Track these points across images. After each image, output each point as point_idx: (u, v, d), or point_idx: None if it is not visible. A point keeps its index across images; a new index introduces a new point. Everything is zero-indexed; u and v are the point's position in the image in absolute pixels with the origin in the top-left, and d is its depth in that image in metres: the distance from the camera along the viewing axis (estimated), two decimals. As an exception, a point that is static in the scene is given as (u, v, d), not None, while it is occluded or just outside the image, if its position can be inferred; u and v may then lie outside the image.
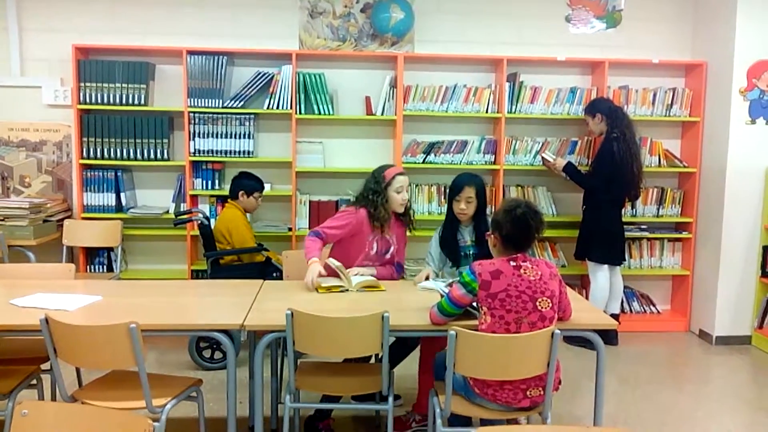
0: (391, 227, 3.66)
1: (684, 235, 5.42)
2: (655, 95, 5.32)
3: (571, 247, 5.10)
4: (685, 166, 5.37)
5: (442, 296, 2.85)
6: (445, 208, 5.23)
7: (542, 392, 2.72)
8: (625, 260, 5.15)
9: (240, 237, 4.44)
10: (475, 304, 2.78)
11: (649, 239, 5.46)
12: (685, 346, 5.17)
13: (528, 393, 2.72)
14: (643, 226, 5.43)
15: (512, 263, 2.70)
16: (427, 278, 3.50)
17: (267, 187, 5.01)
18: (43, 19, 5.07)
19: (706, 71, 5.26)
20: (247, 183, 4.61)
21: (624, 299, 5.35)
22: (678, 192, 5.46)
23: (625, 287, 5.20)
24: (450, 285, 2.95)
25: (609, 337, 4.88)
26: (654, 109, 5.33)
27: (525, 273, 2.67)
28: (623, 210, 5.05)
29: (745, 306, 5.15)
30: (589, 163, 5.20)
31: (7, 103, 5.10)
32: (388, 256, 3.68)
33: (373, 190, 3.58)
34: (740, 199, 5.05)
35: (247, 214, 4.69)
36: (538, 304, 2.65)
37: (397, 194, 3.59)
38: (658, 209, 5.42)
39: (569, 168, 4.96)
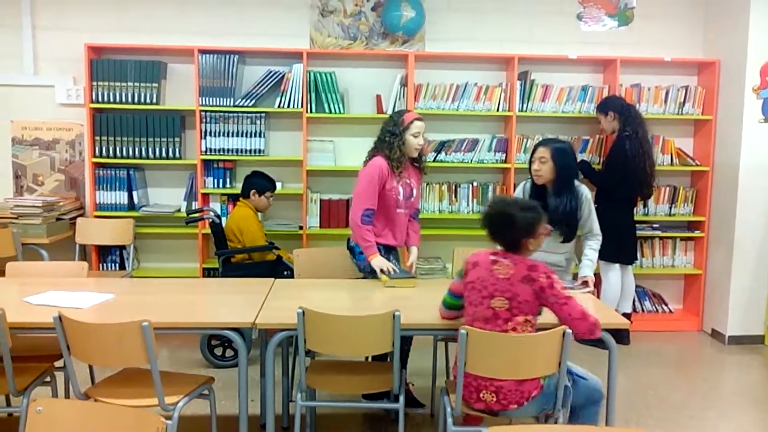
0: (408, 172, 3.75)
1: (696, 234, 5.39)
2: (667, 93, 5.29)
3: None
4: (697, 165, 5.34)
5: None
6: (455, 207, 5.25)
7: (495, 399, 2.63)
8: (636, 259, 5.13)
9: (251, 236, 4.45)
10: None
11: (661, 238, 5.43)
12: (698, 346, 5.14)
13: (481, 395, 2.65)
14: (655, 225, 5.40)
15: (492, 257, 2.71)
16: None
17: (278, 185, 5.02)
18: (56, 19, 5.10)
19: (719, 69, 5.23)
20: (259, 182, 4.62)
21: (636, 298, 5.33)
22: (690, 191, 5.43)
23: (637, 286, 5.18)
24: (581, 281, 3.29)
25: (621, 336, 4.86)
26: (666, 107, 5.30)
27: (497, 269, 2.66)
28: (635, 209, 5.03)
29: (758, 305, 5.11)
30: (601, 161, 5.18)
31: (21, 102, 5.14)
32: (412, 199, 3.77)
33: (391, 132, 3.66)
34: (753, 197, 5.02)
35: (259, 214, 4.70)
36: (492, 302, 2.63)
37: (414, 138, 3.66)
38: (671, 208, 5.40)
39: (583, 166, 4.94)
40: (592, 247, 3.72)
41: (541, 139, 5.20)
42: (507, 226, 2.69)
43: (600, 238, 3.74)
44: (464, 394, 2.69)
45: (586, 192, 3.73)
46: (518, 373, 2.64)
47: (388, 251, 3.69)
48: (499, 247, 2.77)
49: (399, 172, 3.65)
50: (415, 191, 3.77)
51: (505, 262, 2.67)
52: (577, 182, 3.74)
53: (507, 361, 2.61)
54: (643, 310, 5.49)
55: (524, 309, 2.62)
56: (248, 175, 4.69)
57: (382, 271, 3.47)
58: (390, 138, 3.65)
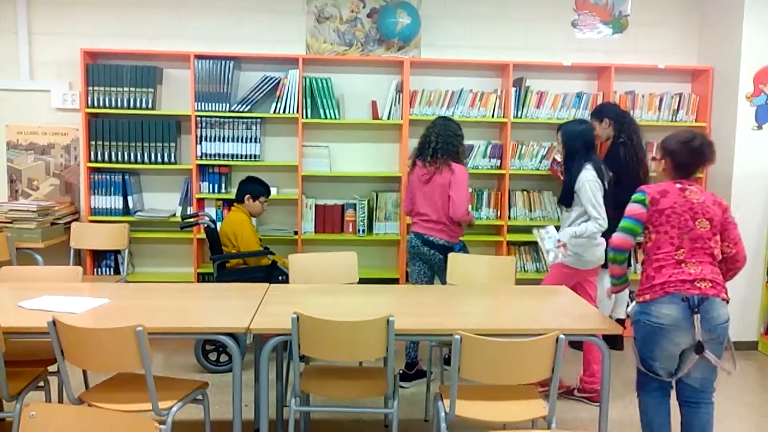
0: None
1: (690, 240, 5.41)
2: (661, 100, 5.32)
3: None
4: (691, 172, 5.36)
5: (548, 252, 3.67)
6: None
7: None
8: (631, 265, 5.14)
9: (245, 241, 4.45)
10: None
11: (655, 244, 5.44)
12: (691, 352, 5.14)
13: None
14: (649, 231, 5.41)
15: (678, 185, 2.98)
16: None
17: (273, 191, 5.03)
18: (52, 24, 5.11)
19: (713, 76, 5.26)
20: (254, 187, 4.63)
21: (629, 304, 5.32)
22: (684, 197, 5.44)
23: (630, 292, 5.18)
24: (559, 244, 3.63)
25: (615, 342, 4.87)
26: (660, 114, 5.33)
27: (689, 195, 2.95)
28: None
29: (752, 311, 5.14)
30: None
31: (17, 106, 5.14)
32: None
33: (462, 138, 4.22)
34: (746, 204, 5.04)
35: (253, 219, 4.70)
36: (697, 223, 2.89)
37: None
38: (664, 214, 5.41)
39: None
40: (579, 224, 3.90)
41: (535, 145, 5.25)
42: (706, 160, 3.04)
43: (598, 223, 3.84)
44: None
45: (582, 175, 3.88)
46: (512, 379, 2.65)
47: None
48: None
49: None
50: None
51: (692, 189, 2.97)
52: (587, 164, 3.92)
53: (501, 366, 2.63)
54: (637, 316, 5.49)
55: (717, 229, 2.94)
56: (243, 180, 4.70)
57: None
58: (461, 143, 4.18)
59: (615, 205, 4.84)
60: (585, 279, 4.03)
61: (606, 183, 3.94)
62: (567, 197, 4.00)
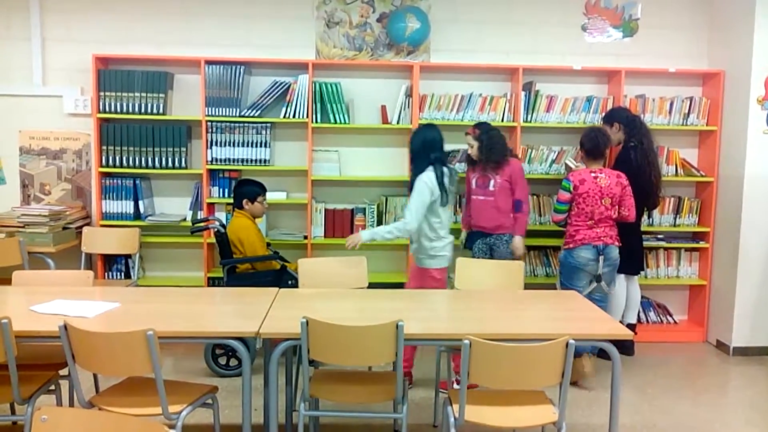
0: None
1: (701, 244, 5.39)
2: (671, 104, 5.30)
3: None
4: (702, 176, 5.34)
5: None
6: (460, 218, 5.26)
7: None
8: (642, 269, 5.12)
9: (251, 246, 4.41)
10: None
11: (666, 249, 5.42)
12: (703, 357, 5.12)
13: None
14: (659, 236, 5.40)
15: (592, 174, 4.31)
16: None
17: (282, 195, 5.05)
18: (64, 30, 5.16)
19: (723, 80, 5.23)
20: (248, 189, 4.53)
21: (641, 309, 5.31)
22: (695, 201, 5.42)
23: (642, 297, 5.16)
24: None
25: (625, 347, 4.86)
26: (671, 118, 5.31)
27: (599, 181, 4.29)
28: (641, 219, 5.02)
29: (764, 316, 5.10)
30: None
31: (29, 112, 5.19)
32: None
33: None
34: (758, 208, 5.01)
35: (259, 222, 4.67)
36: (602, 201, 4.27)
37: None
38: (675, 218, 5.39)
39: None
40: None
41: (545, 149, 5.24)
42: (602, 147, 4.39)
43: (405, 223, 3.95)
44: None
45: (422, 175, 4.00)
46: (522, 384, 2.64)
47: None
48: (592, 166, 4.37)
49: None
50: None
51: (602, 176, 4.30)
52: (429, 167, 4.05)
53: (510, 371, 2.62)
54: (647, 321, 5.48)
55: (616, 202, 4.31)
56: (235, 186, 4.63)
57: None
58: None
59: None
60: (431, 276, 4.08)
61: (446, 190, 4.03)
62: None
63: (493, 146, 4.43)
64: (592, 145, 4.38)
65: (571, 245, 4.32)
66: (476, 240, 4.59)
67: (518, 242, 4.49)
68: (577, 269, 4.31)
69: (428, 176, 3.97)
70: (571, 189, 4.28)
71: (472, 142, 4.50)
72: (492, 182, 4.48)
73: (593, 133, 4.43)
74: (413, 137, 4.20)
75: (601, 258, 4.26)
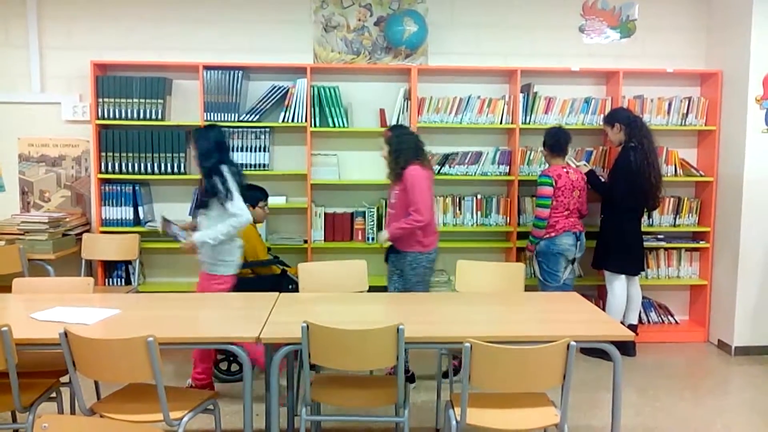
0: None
1: (701, 244, 5.39)
2: (670, 104, 5.30)
3: (588, 257, 5.07)
4: (701, 175, 5.34)
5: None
6: (459, 220, 5.26)
7: None
8: (643, 270, 5.12)
9: (251, 250, 4.41)
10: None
11: (666, 249, 5.42)
12: (704, 357, 5.12)
13: None
14: (660, 236, 5.40)
15: (564, 170, 4.71)
16: None
17: (282, 199, 5.04)
18: (62, 37, 5.16)
19: (722, 80, 5.24)
20: (251, 194, 4.48)
21: (641, 310, 5.31)
22: (695, 201, 5.42)
23: (642, 297, 5.16)
24: None
25: (627, 348, 4.86)
26: (669, 118, 5.31)
27: (570, 176, 4.71)
28: (641, 219, 5.02)
29: (765, 315, 5.09)
30: (606, 173, 5.19)
31: (28, 119, 5.19)
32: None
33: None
34: (758, 207, 5.01)
35: (259, 227, 4.66)
36: (574, 193, 4.70)
37: None
38: (675, 219, 5.39)
39: (591, 176, 4.95)
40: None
41: (544, 151, 5.24)
42: (563, 142, 4.76)
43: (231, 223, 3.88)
44: None
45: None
46: (523, 386, 2.64)
47: None
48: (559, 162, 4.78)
49: None
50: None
51: (570, 171, 4.74)
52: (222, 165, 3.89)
53: (512, 374, 2.61)
54: (648, 322, 5.48)
55: (582, 195, 4.80)
56: None
57: None
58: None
59: (627, 207, 4.86)
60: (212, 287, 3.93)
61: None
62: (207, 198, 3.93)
63: (400, 153, 4.14)
64: (553, 141, 4.74)
65: (552, 234, 4.69)
66: (389, 255, 4.31)
67: (381, 235, 4.28)
68: (558, 255, 4.71)
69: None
70: (553, 183, 4.64)
71: (384, 146, 4.25)
72: (393, 194, 4.24)
73: (554, 131, 4.78)
74: (199, 137, 3.97)
75: (578, 243, 4.73)
